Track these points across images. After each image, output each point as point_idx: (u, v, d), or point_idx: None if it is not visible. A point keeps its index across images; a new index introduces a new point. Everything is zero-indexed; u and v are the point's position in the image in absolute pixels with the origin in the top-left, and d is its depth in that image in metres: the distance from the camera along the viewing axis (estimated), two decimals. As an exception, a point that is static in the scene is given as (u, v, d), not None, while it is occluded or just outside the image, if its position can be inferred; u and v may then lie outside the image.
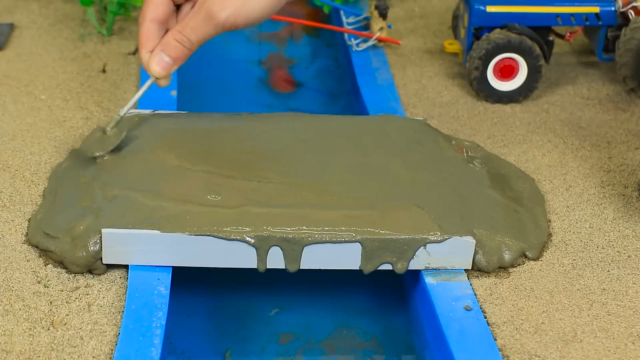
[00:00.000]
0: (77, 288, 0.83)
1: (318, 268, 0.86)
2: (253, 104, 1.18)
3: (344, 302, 0.92)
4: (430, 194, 0.90)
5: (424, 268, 0.87)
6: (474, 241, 0.86)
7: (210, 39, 0.89)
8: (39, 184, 0.94)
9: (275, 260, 0.85)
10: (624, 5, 1.12)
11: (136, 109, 0.91)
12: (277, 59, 1.28)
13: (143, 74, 1.13)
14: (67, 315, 0.81)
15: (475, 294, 0.85)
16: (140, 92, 0.92)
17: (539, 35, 1.11)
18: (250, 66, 1.26)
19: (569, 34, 1.17)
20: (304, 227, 0.85)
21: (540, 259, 0.90)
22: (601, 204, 0.97)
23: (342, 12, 1.26)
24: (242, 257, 0.85)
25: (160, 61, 0.89)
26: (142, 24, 0.90)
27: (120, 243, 0.84)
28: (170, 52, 0.89)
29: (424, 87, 1.16)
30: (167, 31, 0.90)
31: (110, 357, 0.77)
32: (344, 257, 0.85)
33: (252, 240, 0.84)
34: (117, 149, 0.91)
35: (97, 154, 0.91)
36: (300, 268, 0.85)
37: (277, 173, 0.91)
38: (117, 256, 0.84)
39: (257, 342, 0.87)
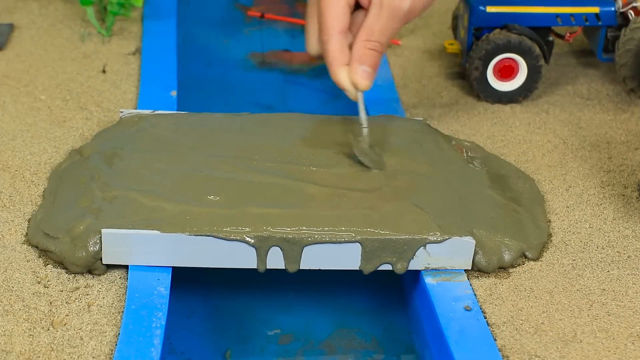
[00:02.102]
0: (77, 288, 0.83)
1: (318, 268, 0.86)
2: (253, 104, 1.18)
3: (344, 302, 0.92)
4: (430, 194, 0.90)
5: (423, 268, 0.87)
6: (474, 241, 0.86)
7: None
8: (39, 184, 0.94)
9: (275, 260, 0.85)
10: (624, 5, 1.12)
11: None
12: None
13: (143, 74, 1.13)
14: (67, 315, 0.81)
15: (475, 294, 0.85)
16: (362, 108, 0.92)
17: (538, 35, 1.11)
18: (250, 67, 1.26)
19: (568, 34, 1.17)
20: (304, 227, 0.85)
21: (540, 259, 0.90)
22: (601, 204, 0.97)
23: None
24: (242, 257, 0.85)
25: (364, 74, 0.88)
26: (329, 39, 0.88)
27: (120, 243, 0.84)
28: (369, 62, 0.88)
29: (424, 87, 1.16)
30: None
31: (110, 358, 0.77)
32: (344, 257, 0.85)
33: (252, 241, 0.84)
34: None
35: (373, 167, 0.92)
36: (300, 268, 0.85)
37: (277, 173, 0.91)
38: (117, 256, 0.84)
39: (257, 342, 0.87)
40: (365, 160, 0.92)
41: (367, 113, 0.92)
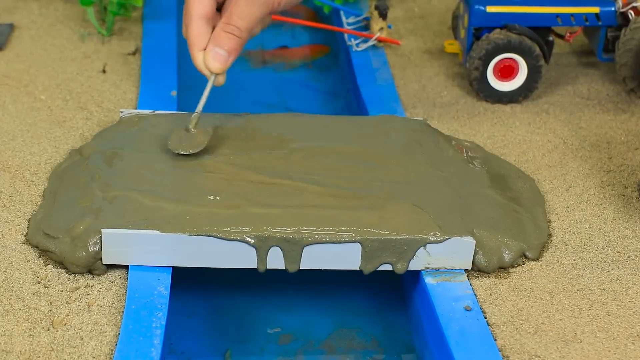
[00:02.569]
0: (77, 288, 0.83)
1: (318, 268, 0.86)
2: (253, 104, 1.18)
3: (344, 302, 0.92)
4: (430, 194, 0.90)
5: (424, 268, 0.87)
6: (474, 241, 0.86)
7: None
8: (39, 184, 0.94)
9: (275, 260, 0.85)
10: (624, 5, 1.12)
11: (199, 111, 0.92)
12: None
13: (143, 74, 1.13)
14: (67, 315, 0.81)
15: (475, 294, 0.85)
16: (206, 92, 0.91)
17: (539, 35, 1.11)
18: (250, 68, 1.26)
19: (569, 34, 1.17)
20: (304, 227, 0.85)
21: (540, 259, 0.90)
22: (601, 204, 0.97)
23: (342, 12, 1.26)
24: (242, 257, 0.85)
25: (216, 55, 0.89)
26: (189, 23, 0.89)
27: (120, 243, 0.84)
28: (224, 45, 0.88)
29: (424, 87, 1.16)
30: (214, 28, 0.90)
31: (110, 358, 0.77)
32: (344, 257, 0.85)
33: (252, 241, 0.84)
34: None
35: (190, 152, 0.91)
36: (300, 268, 0.85)
37: (277, 173, 0.91)
38: (117, 256, 0.84)
39: (257, 342, 0.87)
40: (180, 149, 0.91)
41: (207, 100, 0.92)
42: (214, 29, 0.90)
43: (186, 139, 0.92)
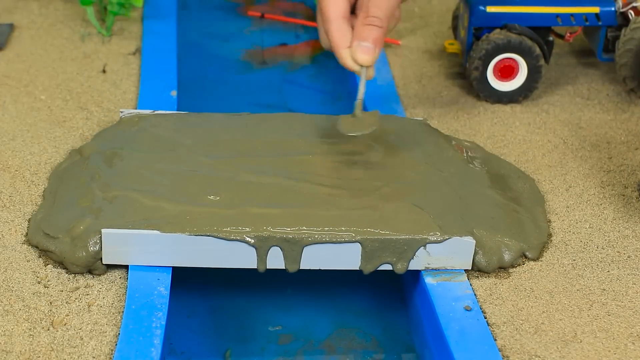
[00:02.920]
0: (77, 288, 0.83)
1: (318, 268, 0.86)
2: (253, 104, 1.18)
3: (344, 302, 0.92)
4: (430, 194, 0.90)
5: (424, 268, 0.87)
6: (474, 241, 0.86)
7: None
8: (39, 184, 0.94)
9: (275, 260, 0.85)
10: (624, 5, 1.12)
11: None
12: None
13: (143, 74, 1.13)
14: (67, 315, 0.81)
15: (475, 294, 0.85)
16: (362, 84, 0.92)
17: (539, 35, 1.11)
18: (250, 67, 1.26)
19: (569, 34, 1.17)
20: (304, 227, 0.85)
21: (540, 259, 0.90)
22: (601, 204, 0.97)
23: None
24: (242, 257, 0.85)
25: (363, 49, 0.89)
26: (329, 24, 0.90)
27: (120, 243, 0.84)
28: (368, 37, 0.89)
29: (424, 87, 1.16)
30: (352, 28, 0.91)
31: (110, 358, 0.77)
32: (344, 257, 0.85)
33: (252, 241, 0.84)
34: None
35: (360, 133, 0.92)
36: (300, 268, 0.85)
37: (277, 173, 0.91)
38: (117, 256, 0.84)
39: (257, 342, 0.87)
40: (354, 131, 0.92)
41: (366, 91, 0.93)
42: (352, 28, 0.91)
43: (356, 122, 0.93)
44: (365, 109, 1.09)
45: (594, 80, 1.18)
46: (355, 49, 0.90)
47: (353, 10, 0.93)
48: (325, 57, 1.29)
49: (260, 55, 1.27)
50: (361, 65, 0.91)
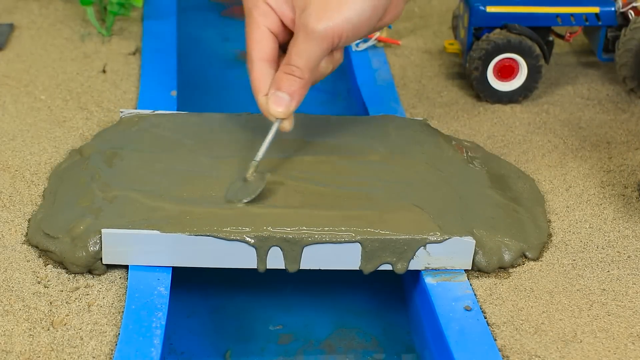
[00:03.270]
0: (77, 288, 0.83)
1: (318, 268, 0.86)
2: (253, 104, 1.18)
3: (344, 302, 0.92)
4: (430, 194, 0.90)
5: (423, 268, 0.87)
6: (474, 241, 0.86)
7: (319, 62, 0.84)
8: (39, 184, 0.94)
9: (275, 260, 0.85)
10: (624, 5, 1.12)
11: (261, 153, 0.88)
12: None
13: (143, 74, 1.13)
14: (67, 315, 0.81)
15: (475, 294, 0.85)
16: (269, 137, 0.87)
17: (538, 35, 1.11)
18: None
19: (569, 34, 1.17)
20: (304, 227, 0.85)
21: (540, 259, 0.90)
22: (601, 204, 0.97)
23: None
24: (242, 257, 0.85)
25: (277, 100, 0.84)
26: (251, 67, 0.84)
27: (120, 243, 0.84)
28: (284, 88, 0.83)
29: (424, 87, 1.16)
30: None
31: (110, 358, 0.77)
32: (344, 257, 0.85)
33: (252, 241, 0.84)
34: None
35: (245, 201, 0.86)
36: (300, 268, 0.85)
37: (277, 173, 0.91)
38: (117, 256, 0.84)
39: (257, 342, 0.87)
40: (234, 199, 0.87)
41: (268, 145, 0.87)
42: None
43: (242, 188, 0.88)
44: (365, 111, 1.10)
45: (594, 80, 1.18)
46: (270, 99, 0.84)
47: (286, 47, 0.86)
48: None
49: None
50: (274, 117, 0.85)
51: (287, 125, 0.86)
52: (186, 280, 0.89)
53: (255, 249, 0.84)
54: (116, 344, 0.78)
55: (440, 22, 1.30)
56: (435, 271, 0.87)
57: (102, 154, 0.93)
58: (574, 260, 0.90)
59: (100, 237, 0.84)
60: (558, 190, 0.99)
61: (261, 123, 0.99)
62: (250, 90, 1.18)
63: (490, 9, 1.10)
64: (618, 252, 0.91)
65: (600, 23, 1.12)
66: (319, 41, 0.82)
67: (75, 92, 1.10)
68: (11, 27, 1.21)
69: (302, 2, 0.83)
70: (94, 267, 0.84)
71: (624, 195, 0.98)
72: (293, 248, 0.84)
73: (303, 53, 0.83)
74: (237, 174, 0.90)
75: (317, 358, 0.86)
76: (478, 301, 0.84)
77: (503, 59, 1.10)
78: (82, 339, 0.78)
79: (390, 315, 0.91)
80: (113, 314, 0.81)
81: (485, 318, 0.83)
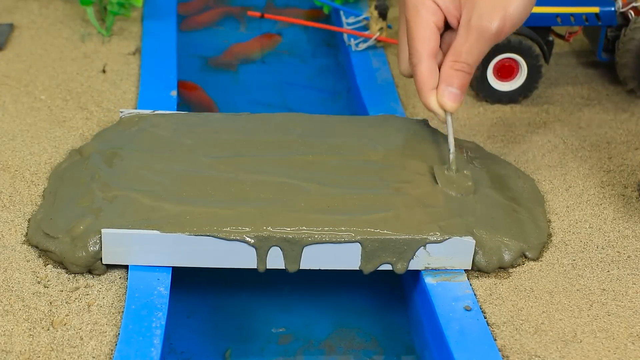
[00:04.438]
0: (77, 288, 0.83)
1: (318, 268, 0.86)
2: (253, 104, 1.18)
3: (344, 302, 0.92)
4: (430, 194, 0.90)
5: (423, 268, 0.87)
6: (474, 241, 0.86)
7: None
8: (39, 184, 0.94)
9: (275, 260, 0.85)
10: (624, 5, 1.12)
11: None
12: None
13: (143, 74, 1.13)
14: (67, 315, 0.81)
15: (475, 294, 0.85)
16: (451, 130, 0.90)
17: (538, 35, 1.11)
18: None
19: (568, 34, 1.17)
20: (304, 227, 0.85)
21: (540, 259, 0.90)
22: (601, 204, 0.97)
23: (342, 12, 1.26)
24: (242, 257, 0.85)
25: (450, 95, 0.87)
26: (418, 62, 0.88)
27: (120, 243, 0.84)
28: (456, 84, 0.87)
29: (424, 87, 1.15)
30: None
31: (110, 358, 0.77)
32: (344, 257, 0.85)
33: (252, 241, 0.84)
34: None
35: (456, 193, 0.90)
36: (300, 268, 0.85)
37: (277, 173, 0.91)
38: (117, 256, 0.84)
39: (257, 342, 0.87)
40: (451, 189, 0.90)
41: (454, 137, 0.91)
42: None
43: (452, 179, 0.91)
44: (365, 111, 1.10)
45: (594, 80, 1.18)
46: (442, 94, 0.88)
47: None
48: (325, 57, 1.29)
49: (215, 59, 1.27)
50: (446, 111, 0.89)
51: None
52: (186, 280, 0.89)
53: (255, 249, 0.84)
54: (116, 344, 0.78)
55: (440, 22, 1.30)
56: (435, 271, 0.87)
57: (102, 154, 0.93)
58: (574, 260, 0.90)
59: (100, 237, 0.84)
60: (558, 190, 0.99)
61: (261, 123, 0.99)
62: (250, 90, 1.18)
63: (490, 9, 1.10)
64: (618, 252, 0.91)
65: (600, 23, 1.12)
66: (492, 40, 0.87)
67: (75, 92, 1.10)
68: (11, 27, 1.21)
69: (470, 1, 0.87)
70: (94, 267, 0.84)
71: (624, 195, 0.98)
72: (293, 248, 0.84)
73: (475, 51, 0.87)
74: (235, 174, 0.90)
75: (317, 358, 0.86)
76: (478, 301, 0.84)
77: (503, 59, 1.10)
78: (82, 339, 0.78)
79: (390, 315, 0.91)
80: (113, 314, 0.81)
81: (485, 318, 0.83)
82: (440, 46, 0.89)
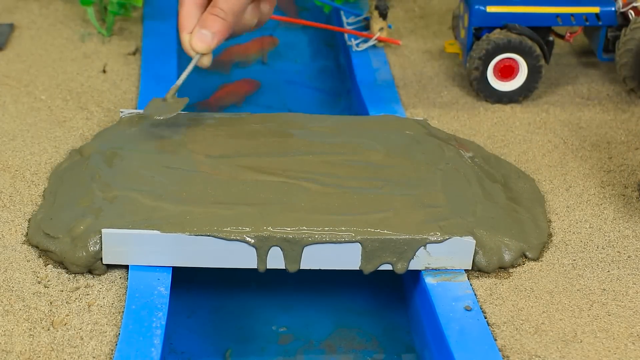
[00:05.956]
0: (77, 288, 0.83)
1: (318, 268, 0.86)
2: (253, 104, 1.18)
3: (344, 302, 0.92)
4: (430, 194, 0.90)
5: (424, 268, 0.87)
6: (474, 241, 0.86)
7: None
8: (39, 184, 0.94)
9: (275, 260, 0.85)
10: (624, 5, 1.12)
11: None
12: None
13: (143, 74, 1.13)
14: (67, 315, 0.81)
15: (475, 294, 0.85)
16: (189, 68, 0.93)
17: (539, 35, 1.11)
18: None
19: (569, 34, 1.17)
20: (304, 227, 0.85)
21: (540, 259, 0.90)
22: (601, 204, 0.97)
23: (342, 12, 1.26)
24: (242, 257, 0.85)
25: (201, 36, 0.91)
26: (182, 7, 0.92)
27: (120, 243, 0.84)
28: (208, 26, 0.91)
29: (424, 87, 1.16)
30: None
31: (110, 358, 0.77)
32: (344, 257, 0.85)
33: (252, 241, 0.84)
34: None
35: (161, 117, 0.93)
36: (300, 268, 0.85)
37: (277, 173, 0.91)
38: (117, 256, 0.84)
39: (257, 342, 0.87)
40: (159, 114, 0.93)
41: (188, 74, 0.93)
42: None
43: (163, 106, 0.94)
44: (365, 111, 1.10)
45: (594, 80, 1.18)
46: (194, 35, 0.91)
47: None
48: (325, 57, 1.29)
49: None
50: (195, 52, 0.92)
51: (206, 62, 0.93)
52: (186, 280, 0.89)
53: (256, 249, 0.84)
54: (116, 344, 0.78)
55: (440, 22, 1.30)
56: (436, 271, 0.87)
57: (102, 154, 0.93)
58: (574, 260, 0.90)
59: (101, 237, 0.84)
60: (558, 190, 0.99)
61: (261, 123, 0.99)
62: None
63: (491, 9, 1.10)
64: (618, 252, 0.91)
65: (600, 23, 1.12)
66: None
67: (75, 92, 1.10)
68: (11, 27, 1.21)
69: None
70: (94, 267, 0.84)
71: (624, 195, 0.98)
72: (293, 248, 0.84)
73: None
74: (235, 174, 0.90)
75: (317, 358, 0.86)
76: (478, 301, 0.84)
77: (503, 59, 1.10)
78: (82, 339, 0.78)
79: (390, 315, 0.91)
80: (113, 314, 0.81)
81: (485, 318, 0.83)
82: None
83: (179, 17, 0.92)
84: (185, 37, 0.92)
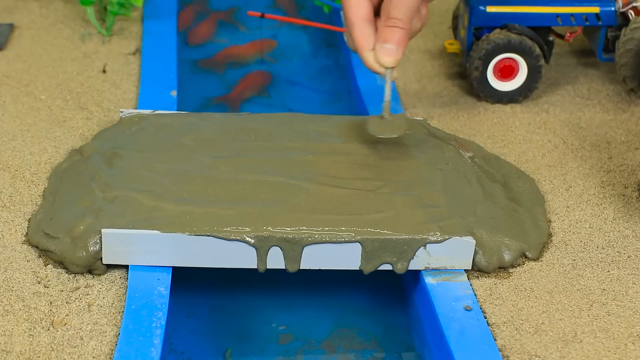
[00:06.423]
0: (77, 288, 0.83)
1: (318, 268, 0.86)
2: (253, 104, 1.18)
3: (344, 302, 0.92)
4: (430, 194, 0.90)
5: (424, 268, 0.87)
6: (474, 241, 0.86)
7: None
8: (39, 184, 0.94)
9: (275, 260, 0.85)
10: (624, 5, 1.12)
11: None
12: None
13: (143, 74, 1.13)
14: (67, 315, 0.81)
15: (475, 294, 0.85)
16: (389, 83, 0.93)
17: (539, 35, 1.11)
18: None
19: (569, 34, 1.17)
20: (304, 227, 0.85)
21: (540, 259, 0.90)
22: (601, 204, 0.97)
23: (342, 13, 1.26)
24: (242, 257, 0.85)
25: (385, 51, 0.90)
26: (352, 28, 0.91)
27: (120, 243, 0.84)
28: (390, 39, 0.90)
29: (424, 87, 1.16)
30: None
31: (110, 358, 0.77)
32: (344, 257, 0.85)
33: (252, 241, 0.84)
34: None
35: (394, 135, 0.94)
36: (300, 268, 0.85)
37: (277, 173, 0.91)
38: (117, 256, 0.84)
39: (257, 342, 0.87)
40: (384, 133, 0.93)
41: (392, 91, 0.95)
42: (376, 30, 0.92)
43: (385, 124, 0.94)
44: (365, 111, 1.10)
45: (594, 80, 1.18)
46: (378, 51, 0.91)
47: (378, 13, 0.93)
48: (326, 57, 1.29)
49: (210, 61, 1.27)
50: (385, 67, 0.91)
51: (395, 74, 0.93)
52: (186, 280, 0.89)
53: (255, 249, 0.84)
54: (116, 344, 0.78)
55: (440, 22, 1.30)
56: (436, 271, 0.87)
57: (102, 154, 0.93)
58: (574, 260, 0.90)
59: (101, 237, 0.84)
60: (558, 190, 0.99)
61: (261, 123, 0.99)
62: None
63: (490, 9, 1.10)
64: (618, 252, 0.91)
65: (600, 23, 1.12)
66: None
67: (75, 92, 1.10)
68: (11, 27, 1.21)
69: None
70: (94, 267, 0.84)
71: (624, 195, 0.98)
72: (293, 248, 0.84)
73: (401, 4, 0.90)
74: (235, 174, 0.90)
75: (317, 358, 0.86)
76: (478, 301, 0.84)
77: (503, 58, 1.10)
78: (82, 339, 0.79)
79: (390, 315, 0.91)
80: (113, 314, 0.81)
81: (485, 318, 0.83)
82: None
83: (354, 37, 0.91)
84: (367, 56, 0.91)
